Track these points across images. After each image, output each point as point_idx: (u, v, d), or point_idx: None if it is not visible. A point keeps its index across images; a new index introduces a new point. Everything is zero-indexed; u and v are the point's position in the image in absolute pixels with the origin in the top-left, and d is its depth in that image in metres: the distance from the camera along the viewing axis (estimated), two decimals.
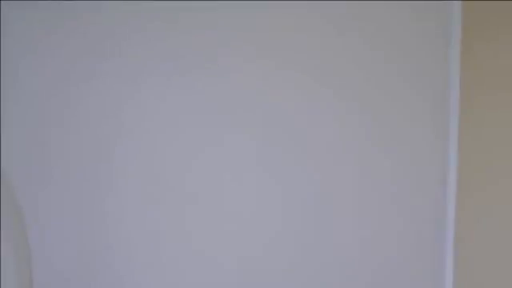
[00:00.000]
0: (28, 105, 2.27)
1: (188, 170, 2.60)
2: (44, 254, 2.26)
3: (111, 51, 2.45)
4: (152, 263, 2.51)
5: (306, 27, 2.86)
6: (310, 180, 2.90)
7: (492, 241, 3.13)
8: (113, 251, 2.41)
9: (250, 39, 2.74)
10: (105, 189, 2.36)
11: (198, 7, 2.63)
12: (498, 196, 3.10)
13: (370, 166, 3.11)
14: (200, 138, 2.61)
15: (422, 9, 3.13)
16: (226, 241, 2.69)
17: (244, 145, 2.73)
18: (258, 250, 2.77)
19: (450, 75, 3.23)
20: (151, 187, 2.50)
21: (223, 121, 2.66)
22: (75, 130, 2.31)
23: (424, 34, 3.13)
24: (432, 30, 3.14)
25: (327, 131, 2.94)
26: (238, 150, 2.72)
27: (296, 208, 2.87)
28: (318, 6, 2.89)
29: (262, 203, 2.79)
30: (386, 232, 3.18)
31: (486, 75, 3.11)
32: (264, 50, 2.78)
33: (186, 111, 2.57)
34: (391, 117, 3.14)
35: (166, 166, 2.54)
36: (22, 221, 1.85)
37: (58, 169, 2.27)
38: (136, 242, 2.47)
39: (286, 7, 2.81)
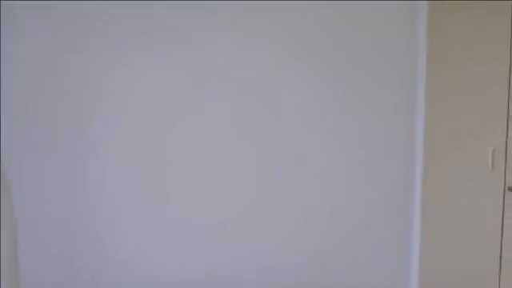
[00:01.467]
0: (13, 74, 2.33)
1: (166, 136, 2.67)
2: (27, 215, 2.32)
3: (93, 25, 2.51)
4: (131, 225, 2.59)
5: (281, 1, 2.95)
6: (283, 146, 3.01)
7: (455, 201, 3.24)
8: (94, 214, 2.49)
9: (224, 12, 2.81)
10: (86, 154, 2.43)
11: None
12: (461, 160, 3.19)
13: (340, 134, 3.20)
14: (178, 107, 2.67)
15: None
16: (203, 204, 2.79)
17: (220, 113, 2.80)
18: (233, 213, 2.89)
19: (418, 48, 3.33)
20: (131, 153, 2.56)
21: (200, 90, 2.72)
22: (59, 98, 2.37)
23: (394, 9, 3.23)
24: (401, 5, 3.24)
25: (300, 100, 3.05)
26: (215, 118, 2.79)
27: (270, 173, 2.98)
28: None
29: (237, 168, 2.89)
30: (357, 195, 3.30)
31: (451, 47, 3.19)
32: (238, 23, 2.84)
33: (165, 81, 2.63)
34: (362, 87, 3.25)
35: (145, 132, 2.60)
36: (7, 186, 1.96)
37: (42, 134, 2.32)
38: (116, 205, 2.55)
39: None
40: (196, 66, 2.71)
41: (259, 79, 2.89)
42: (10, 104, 2.37)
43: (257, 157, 2.93)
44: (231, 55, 2.80)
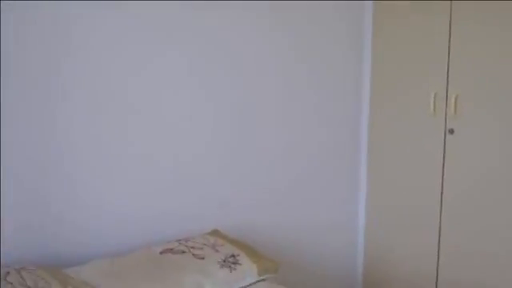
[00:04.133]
0: None
1: (130, 83, 2.68)
2: (1, 155, 2.39)
3: None
4: (97, 164, 2.62)
5: None
6: (239, 91, 3.10)
7: (400, 143, 3.43)
8: (62, 154, 2.53)
9: None
10: (56, 98, 2.47)
11: None
12: (405, 104, 3.36)
13: (292, 80, 3.32)
14: (141, 56, 2.67)
15: None
16: (164, 145, 2.85)
17: (179, 61, 2.83)
18: (192, 153, 2.96)
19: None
20: (98, 98, 2.57)
21: (160, 39, 2.75)
22: (29, 48, 2.40)
23: None
24: None
25: (254, 48, 3.13)
26: (174, 66, 2.82)
27: (226, 116, 3.07)
28: None
29: (195, 112, 2.95)
30: (308, 136, 3.43)
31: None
32: None
33: (128, 30, 2.64)
34: (313, 37, 3.36)
35: (110, 79, 2.62)
36: None
37: (13, 81, 2.36)
38: (83, 146, 2.57)
39: None
40: (158, 18, 2.71)
41: (216, 30, 2.94)
42: None
43: (214, 101, 3.01)
44: (191, 8, 2.81)
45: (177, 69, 2.86)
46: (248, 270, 2.50)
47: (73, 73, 2.51)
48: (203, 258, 2.48)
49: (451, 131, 3.10)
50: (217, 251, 2.56)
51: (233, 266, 2.47)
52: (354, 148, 3.69)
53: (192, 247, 2.58)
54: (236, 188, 3.15)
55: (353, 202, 3.74)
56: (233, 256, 2.53)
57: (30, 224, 2.43)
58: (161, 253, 2.52)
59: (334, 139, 3.59)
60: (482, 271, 3.05)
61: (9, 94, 2.35)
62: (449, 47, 3.09)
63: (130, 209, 2.74)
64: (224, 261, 2.48)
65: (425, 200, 3.31)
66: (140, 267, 2.39)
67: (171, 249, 2.56)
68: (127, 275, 2.31)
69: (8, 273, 2.13)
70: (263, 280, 2.55)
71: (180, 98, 2.90)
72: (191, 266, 2.41)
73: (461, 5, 3.03)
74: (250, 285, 2.50)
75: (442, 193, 3.20)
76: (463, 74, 3.06)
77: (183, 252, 2.53)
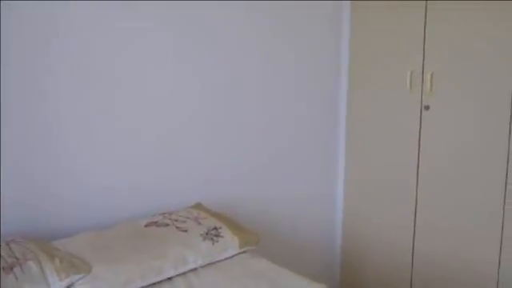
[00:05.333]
0: None
1: (116, 60, 2.73)
2: None
3: None
4: (84, 139, 2.66)
5: None
6: (221, 69, 3.13)
7: (377, 119, 3.50)
8: (49, 129, 2.53)
9: None
10: (42, 74, 2.47)
11: None
12: (382, 82, 3.42)
13: (273, 57, 3.36)
14: (126, 33, 2.72)
15: None
16: (149, 120, 2.89)
17: (163, 39, 2.88)
18: (176, 129, 3.00)
19: None
20: (84, 74, 2.57)
21: (145, 18, 2.75)
22: (17, 26, 2.39)
23: None
24: None
25: (236, 26, 3.17)
26: (159, 44, 2.86)
27: (210, 93, 3.11)
28: None
29: (179, 89, 2.99)
30: (288, 113, 3.50)
31: None
32: None
33: (115, 9, 2.60)
34: (293, 15, 3.41)
35: (97, 55, 2.63)
36: None
37: (1, 58, 2.38)
38: (70, 121, 2.58)
39: None
40: None
41: (200, 9, 2.97)
42: None
43: (198, 78, 3.05)
44: None
45: (161, 46, 2.90)
46: (230, 242, 2.56)
47: (60, 50, 2.53)
48: (186, 231, 2.54)
49: (427, 107, 3.16)
50: (199, 224, 2.62)
51: (215, 238, 2.53)
52: (333, 124, 3.76)
53: (175, 220, 2.63)
54: (218, 162, 3.21)
55: (331, 176, 3.82)
56: (215, 229, 2.59)
57: (19, 198, 2.47)
58: (145, 226, 2.58)
59: (314, 115, 3.66)
60: (456, 242, 3.13)
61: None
62: (425, 26, 3.14)
63: (115, 183, 2.78)
64: (206, 233, 2.54)
65: (401, 174, 3.37)
66: (125, 240, 2.44)
67: (155, 222, 2.61)
68: (113, 247, 2.35)
69: None
70: (244, 252, 2.62)
71: (164, 75, 2.94)
72: (175, 239, 2.47)
73: None
74: (232, 257, 2.56)
75: (418, 167, 3.26)
76: (439, 52, 3.11)
77: (167, 225, 2.59)
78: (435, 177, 3.21)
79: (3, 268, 2.04)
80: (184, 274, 2.37)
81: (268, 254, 2.72)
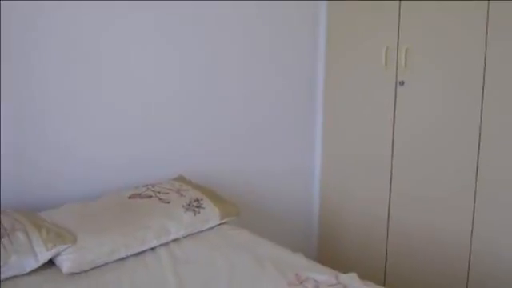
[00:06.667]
0: None
1: (101, 37, 2.77)
2: None
3: None
4: (70, 113, 2.70)
5: None
6: (202, 45, 3.18)
7: (354, 95, 3.55)
8: (36, 103, 2.56)
9: None
10: (29, 50, 2.50)
11: None
12: (358, 58, 3.48)
13: (253, 34, 3.42)
14: (110, 11, 2.77)
15: None
16: (133, 95, 2.93)
17: (146, 18, 2.92)
18: (159, 104, 3.05)
19: None
20: (70, 50, 2.59)
21: None
22: (6, 5, 2.42)
23: None
24: None
25: (218, 6, 3.20)
26: (141, 22, 2.91)
27: (191, 68, 3.16)
28: None
29: (162, 65, 3.04)
30: (267, 88, 3.55)
31: None
32: None
33: None
34: None
35: (82, 33, 2.65)
36: None
37: None
38: (57, 95, 2.64)
39: None
40: None
41: None
42: None
43: (179, 54, 3.09)
44: None
45: (144, 24, 2.94)
46: (211, 213, 2.63)
47: (48, 27, 2.56)
48: (169, 202, 2.60)
49: (402, 83, 3.23)
50: (182, 196, 2.68)
51: (197, 209, 2.60)
52: (311, 98, 3.83)
53: (158, 192, 2.69)
54: (199, 136, 3.26)
55: (309, 150, 3.89)
56: (197, 200, 2.66)
57: (6, 170, 2.51)
58: (129, 197, 2.64)
59: (292, 90, 3.72)
60: (430, 213, 3.22)
61: None
62: (400, 3, 3.19)
63: (100, 155, 2.83)
64: (188, 205, 2.61)
65: (377, 147, 3.45)
66: (110, 211, 2.50)
67: (139, 194, 2.67)
68: (98, 218, 2.41)
69: None
70: (225, 223, 2.69)
71: (147, 52, 2.98)
72: (158, 210, 2.53)
73: None
74: (213, 227, 2.63)
75: (393, 140, 3.34)
76: (413, 29, 3.17)
77: (150, 196, 2.65)
78: (410, 150, 3.28)
79: None
80: (167, 244, 2.43)
81: (248, 224, 2.78)
